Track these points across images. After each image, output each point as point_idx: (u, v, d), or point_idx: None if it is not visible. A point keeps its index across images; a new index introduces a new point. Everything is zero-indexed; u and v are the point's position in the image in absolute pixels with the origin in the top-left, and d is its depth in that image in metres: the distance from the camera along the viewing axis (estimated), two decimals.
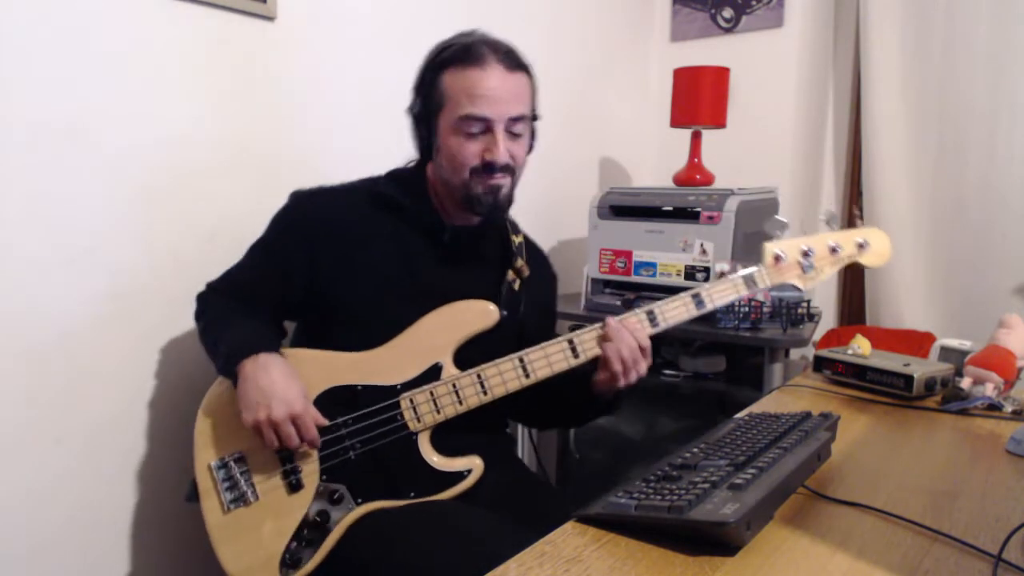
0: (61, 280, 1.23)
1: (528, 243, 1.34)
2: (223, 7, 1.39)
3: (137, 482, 1.36)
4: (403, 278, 1.17)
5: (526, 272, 1.26)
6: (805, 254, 1.20)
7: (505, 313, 1.17)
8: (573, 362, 1.13)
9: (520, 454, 2.15)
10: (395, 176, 1.24)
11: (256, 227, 1.26)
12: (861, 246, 1.24)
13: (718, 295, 1.17)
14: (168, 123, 1.34)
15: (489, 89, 1.10)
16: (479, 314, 1.14)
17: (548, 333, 1.16)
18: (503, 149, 1.12)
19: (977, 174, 2.20)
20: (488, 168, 1.12)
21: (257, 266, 1.22)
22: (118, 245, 1.29)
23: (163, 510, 1.38)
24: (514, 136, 1.14)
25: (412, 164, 1.26)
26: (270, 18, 1.48)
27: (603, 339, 1.12)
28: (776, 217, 1.19)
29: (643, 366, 1.13)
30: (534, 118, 1.21)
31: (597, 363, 1.14)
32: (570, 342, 1.12)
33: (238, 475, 1.10)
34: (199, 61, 1.37)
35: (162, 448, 1.38)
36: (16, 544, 1.21)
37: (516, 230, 1.31)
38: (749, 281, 1.18)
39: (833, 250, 1.22)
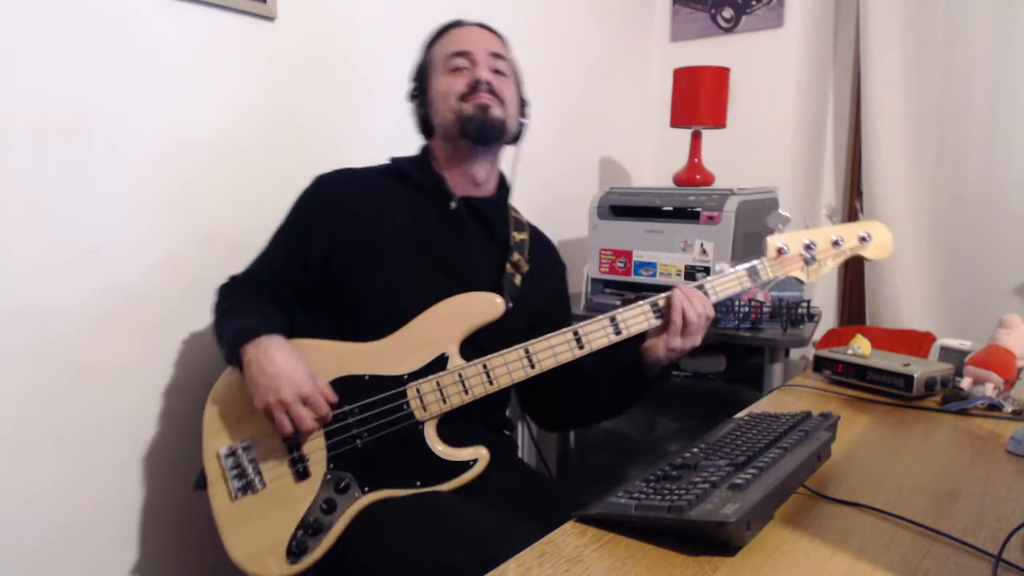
0: (61, 280, 1.23)
1: (535, 237, 1.35)
2: (223, 7, 1.39)
3: (137, 481, 1.36)
4: (413, 243, 1.20)
5: (524, 268, 1.27)
6: (807, 247, 1.20)
7: (511, 305, 1.18)
8: (578, 352, 1.14)
9: (521, 455, 2.14)
10: (401, 158, 1.29)
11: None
12: (863, 239, 1.24)
13: (721, 288, 1.18)
14: (167, 123, 1.34)
15: (467, 33, 1.24)
16: (485, 306, 1.16)
17: (563, 322, 1.17)
18: (485, 68, 1.21)
19: (977, 174, 2.20)
20: (474, 88, 1.19)
21: (278, 248, 1.24)
22: (118, 245, 1.29)
23: (164, 509, 1.38)
24: (497, 73, 1.22)
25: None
26: (270, 18, 1.48)
27: (670, 300, 1.13)
28: (778, 211, 1.19)
29: (699, 337, 1.14)
30: (521, 99, 1.29)
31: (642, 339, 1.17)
32: (575, 333, 1.13)
33: (246, 463, 1.11)
34: (199, 61, 1.37)
35: (162, 447, 1.38)
36: (17, 543, 1.21)
37: (521, 226, 1.32)
38: (752, 273, 1.19)
39: (835, 243, 1.22)
